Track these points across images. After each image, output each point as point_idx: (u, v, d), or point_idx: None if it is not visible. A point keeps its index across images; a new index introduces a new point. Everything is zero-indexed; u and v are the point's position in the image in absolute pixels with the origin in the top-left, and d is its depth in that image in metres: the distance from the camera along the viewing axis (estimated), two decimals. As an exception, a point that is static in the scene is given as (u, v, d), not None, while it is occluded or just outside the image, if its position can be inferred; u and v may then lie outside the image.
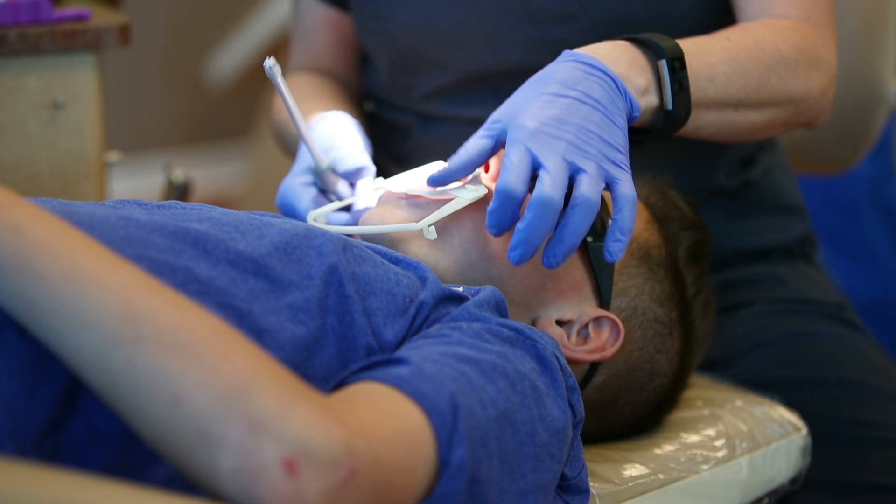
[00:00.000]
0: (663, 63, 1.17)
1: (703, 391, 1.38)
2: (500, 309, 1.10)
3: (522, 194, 1.07)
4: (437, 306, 1.08)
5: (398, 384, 0.94)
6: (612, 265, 1.18)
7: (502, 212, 1.07)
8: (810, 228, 1.55)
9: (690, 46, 1.21)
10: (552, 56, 1.20)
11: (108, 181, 1.55)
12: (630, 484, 1.22)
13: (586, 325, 1.18)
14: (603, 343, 1.18)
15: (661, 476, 1.24)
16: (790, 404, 1.38)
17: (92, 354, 0.86)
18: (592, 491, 1.17)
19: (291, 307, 1.01)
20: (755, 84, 1.25)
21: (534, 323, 1.17)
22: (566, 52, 1.15)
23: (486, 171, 1.21)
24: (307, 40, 1.61)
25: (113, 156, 1.56)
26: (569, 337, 1.17)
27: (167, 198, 1.70)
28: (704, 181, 1.48)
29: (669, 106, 1.18)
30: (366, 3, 1.49)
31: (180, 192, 1.69)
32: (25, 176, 1.48)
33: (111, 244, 0.94)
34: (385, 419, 0.91)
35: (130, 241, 0.98)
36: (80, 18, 1.49)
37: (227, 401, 0.84)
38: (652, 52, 1.18)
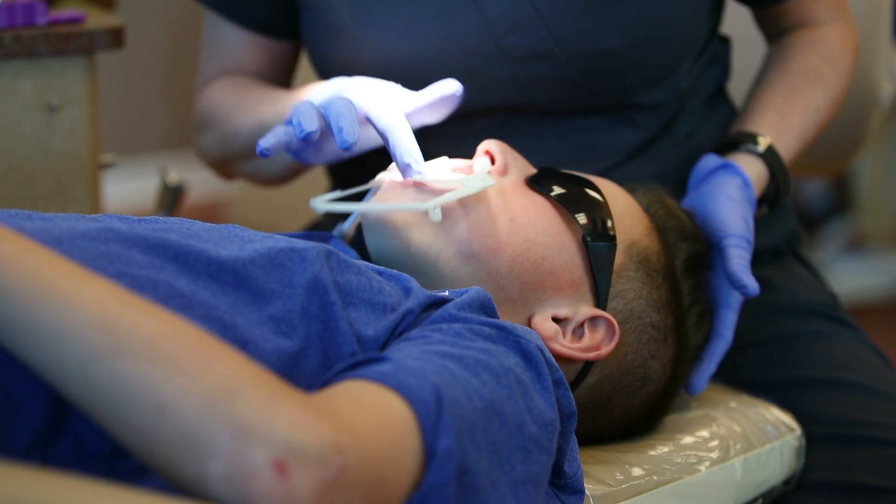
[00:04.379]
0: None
1: (697, 392, 1.38)
2: (486, 309, 1.10)
3: None
4: (422, 313, 1.08)
5: (381, 379, 0.94)
6: (610, 265, 1.19)
7: None
8: (796, 223, 1.55)
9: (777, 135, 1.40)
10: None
11: (102, 184, 1.55)
12: (624, 485, 1.22)
13: (582, 324, 1.18)
14: (597, 342, 1.18)
15: (655, 477, 1.24)
16: (781, 405, 1.38)
17: (73, 370, 0.86)
18: (587, 492, 1.17)
19: (273, 318, 1.01)
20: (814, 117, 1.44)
21: (530, 318, 1.18)
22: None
23: (493, 163, 1.22)
24: (229, 59, 1.53)
25: (108, 158, 1.56)
26: (563, 334, 1.18)
27: (162, 200, 1.70)
28: None
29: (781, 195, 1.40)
30: (327, 45, 1.42)
31: (175, 194, 1.69)
32: (20, 178, 1.48)
33: (92, 261, 0.94)
34: (369, 413, 0.91)
35: (111, 258, 0.98)
36: (74, 21, 1.49)
37: (213, 406, 0.84)
38: (760, 159, 1.37)
